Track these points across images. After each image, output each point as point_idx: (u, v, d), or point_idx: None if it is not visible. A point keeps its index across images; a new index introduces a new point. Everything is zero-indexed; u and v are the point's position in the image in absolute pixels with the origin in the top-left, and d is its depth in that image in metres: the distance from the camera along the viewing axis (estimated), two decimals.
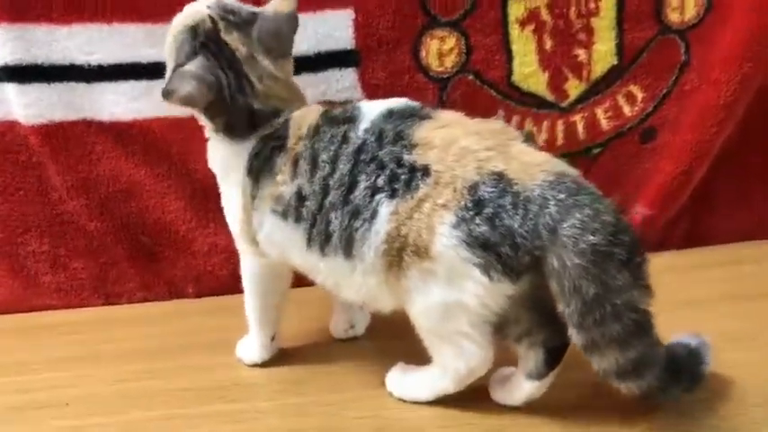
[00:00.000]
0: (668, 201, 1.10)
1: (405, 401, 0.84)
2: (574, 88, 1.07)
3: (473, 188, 0.72)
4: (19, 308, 1.14)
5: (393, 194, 0.75)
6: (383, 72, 1.04)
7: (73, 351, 1.01)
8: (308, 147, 0.80)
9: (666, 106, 1.08)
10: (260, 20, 0.83)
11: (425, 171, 0.74)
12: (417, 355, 0.83)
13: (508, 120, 1.07)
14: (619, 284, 0.70)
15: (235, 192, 0.85)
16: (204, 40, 0.83)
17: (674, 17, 1.05)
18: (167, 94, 0.82)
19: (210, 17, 0.83)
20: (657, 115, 1.09)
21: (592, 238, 0.69)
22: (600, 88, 1.07)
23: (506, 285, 0.73)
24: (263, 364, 0.94)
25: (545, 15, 1.04)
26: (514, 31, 1.04)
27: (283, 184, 0.81)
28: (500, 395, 0.81)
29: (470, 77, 1.06)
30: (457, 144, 0.75)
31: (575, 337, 0.72)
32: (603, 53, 1.06)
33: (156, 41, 1.02)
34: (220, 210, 1.08)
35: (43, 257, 1.12)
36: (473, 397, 0.82)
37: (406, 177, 0.75)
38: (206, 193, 1.08)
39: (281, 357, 0.95)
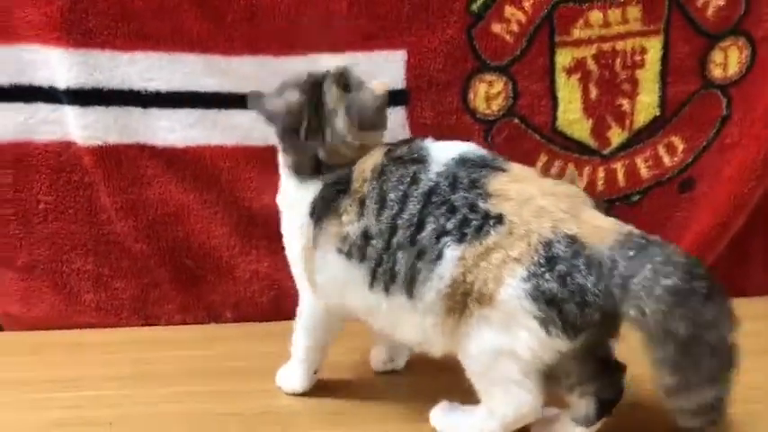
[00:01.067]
0: (705, 251, 1.11)
1: None
2: (616, 136, 1.10)
3: (548, 245, 0.74)
4: (59, 324, 1.16)
5: (461, 239, 0.77)
6: (431, 112, 1.07)
7: (115, 370, 1.03)
8: (375, 187, 0.81)
9: (706, 158, 1.10)
10: (358, 90, 0.86)
11: (499, 219, 0.76)
12: (458, 393, 0.84)
13: (551, 165, 1.10)
14: (708, 319, 0.72)
15: (297, 232, 0.87)
16: (309, 82, 0.86)
17: (717, 73, 1.08)
18: (254, 101, 0.88)
19: (328, 70, 0.87)
20: (697, 166, 1.11)
21: (667, 281, 0.71)
22: (641, 137, 1.10)
23: (562, 342, 0.75)
24: (303, 394, 0.95)
25: (591, 65, 1.07)
26: (561, 78, 1.07)
27: (349, 224, 0.82)
28: None
29: (516, 121, 1.08)
30: (534, 202, 0.76)
31: (665, 381, 0.73)
32: (646, 104, 1.08)
33: (214, 72, 1.06)
34: (264, 237, 1.12)
35: (86, 276, 1.15)
36: None
37: (477, 223, 0.76)
38: (251, 221, 1.11)
39: (320, 387, 0.96)
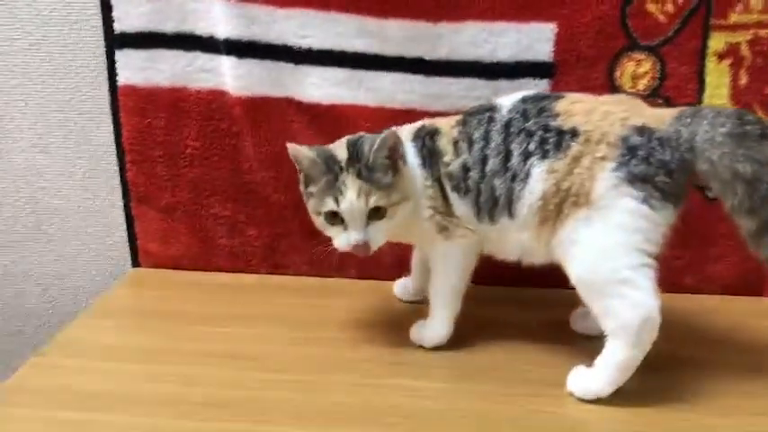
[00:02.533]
0: None
1: (586, 401, 0.87)
2: None
3: (624, 139, 0.86)
4: (192, 265, 1.22)
5: (544, 156, 0.89)
6: (576, 86, 1.07)
7: (248, 310, 1.09)
8: (461, 132, 0.95)
9: None
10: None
11: (574, 132, 0.88)
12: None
13: None
14: (766, 155, 0.82)
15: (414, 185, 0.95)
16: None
17: None
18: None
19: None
20: None
21: (722, 129, 0.83)
22: None
23: (668, 212, 0.85)
24: (438, 348, 0.98)
25: (745, 51, 1.05)
26: (711, 63, 1.06)
27: (449, 163, 0.94)
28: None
29: (660, 102, 1.08)
30: (598, 110, 0.88)
31: (747, 226, 0.83)
32: None
33: (365, 33, 1.09)
34: None
35: (223, 221, 1.20)
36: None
37: (554, 140, 0.88)
38: None
39: (460, 344, 0.99)
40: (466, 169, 0.93)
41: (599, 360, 0.87)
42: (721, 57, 1.06)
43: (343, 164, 0.92)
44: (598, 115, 0.88)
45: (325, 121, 1.13)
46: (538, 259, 0.93)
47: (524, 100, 0.93)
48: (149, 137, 1.17)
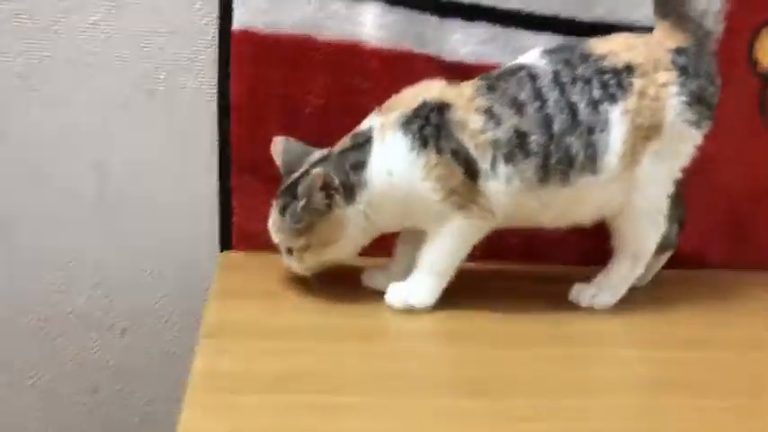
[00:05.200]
0: None
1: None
2: None
3: (673, 63, 0.89)
4: None
5: (613, 98, 0.87)
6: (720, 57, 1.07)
7: None
8: (495, 99, 0.87)
9: None
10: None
11: (629, 69, 0.88)
12: None
13: None
14: None
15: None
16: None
17: None
18: None
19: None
20: None
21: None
22: None
23: (707, 128, 0.91)
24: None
25: None
26: None
27: (488, 131, 0.87)
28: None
29: None
30: (636, 44, 0.90)
31: None
32: None
33: None
34: None
35: None
36: None
37: (615, 81, 0.87)
38: None
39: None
40: (521, 134, 0.86)
41: (605, 278, 0.95)
42: None
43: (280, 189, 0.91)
44: (641, 47, 0.89)
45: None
46: (611, 211, 0.92)
47: (552, 51, 0.90)
48: (263, 91, 1.01)
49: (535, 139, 0.86)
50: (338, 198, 0.87)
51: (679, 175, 0.93)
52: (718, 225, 1.13)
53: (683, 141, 0.91)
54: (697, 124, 0.90)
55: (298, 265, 0.91)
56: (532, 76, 0.88)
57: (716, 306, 0.99)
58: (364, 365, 0.78)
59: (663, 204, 0.93)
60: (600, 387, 0.79)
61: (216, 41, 1.01)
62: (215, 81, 1.02)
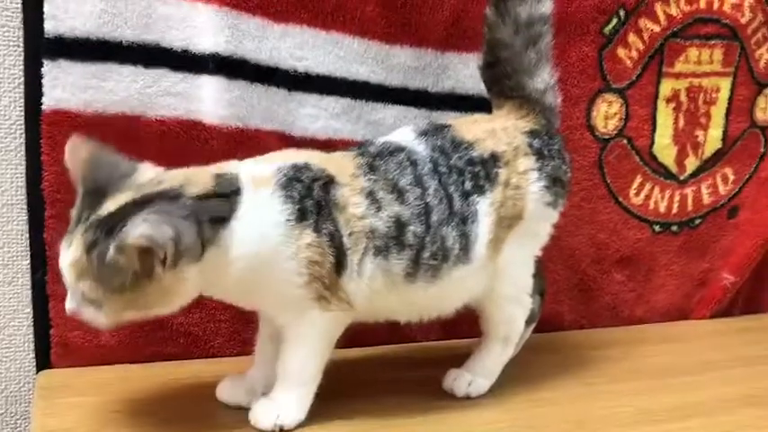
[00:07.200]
0: (745, 270, 1.26)
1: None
2: (690, 164, 1.21)
3: (530, 146, 0.88)
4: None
5: (482, 190, 0.85)
6: (561, 125, 1.08)
7: None
8: (375, 179, 0.79)
9: (748, 188, 1.26)
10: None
11: (494, 158, 0.86)
12: None
13: (642, 187, 1.18)
14: None
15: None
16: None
17: (759, 115, 1.25)
18: None
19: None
20: (741, 196, 1.26)
21: None
22: (707, 167, 1.22)
23: (563, 206, 0.93)
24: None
25: (683, 97, 1.17)
26: (662, 106, 1.16)
27: (364, 217, 0.78)
28: None
29: (624, 142, 1.14)
30: (495, 128, 0.88)
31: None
32: (714, 137, 1.21)
33: (368, 60, 0.97)
34: None
35: None
36: None
37: (483, 172, 0.85)
38: None
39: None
40: (401, 224, 0.79)
41: (479, 363, 0.92)
42: (668, 101, 1.16)
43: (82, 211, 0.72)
44: (500, 132, 0.88)
45: None
46: (477, 294, 0.88)
47: (426, 133, 0.85)
48: None
49: (413, 230, 0.80)
50: (175, 262, 0.69)
51: (539, 253, 0.93)
52: (567, 288, 1.15)
53: (542, 222, 0.91)
54: (554, 204, 0.90)
55: (97, 321, 0.71)
56: (413, 162, 0.82)
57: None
58: None
59: (527, 284, 0.92)
60: None
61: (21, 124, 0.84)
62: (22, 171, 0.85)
